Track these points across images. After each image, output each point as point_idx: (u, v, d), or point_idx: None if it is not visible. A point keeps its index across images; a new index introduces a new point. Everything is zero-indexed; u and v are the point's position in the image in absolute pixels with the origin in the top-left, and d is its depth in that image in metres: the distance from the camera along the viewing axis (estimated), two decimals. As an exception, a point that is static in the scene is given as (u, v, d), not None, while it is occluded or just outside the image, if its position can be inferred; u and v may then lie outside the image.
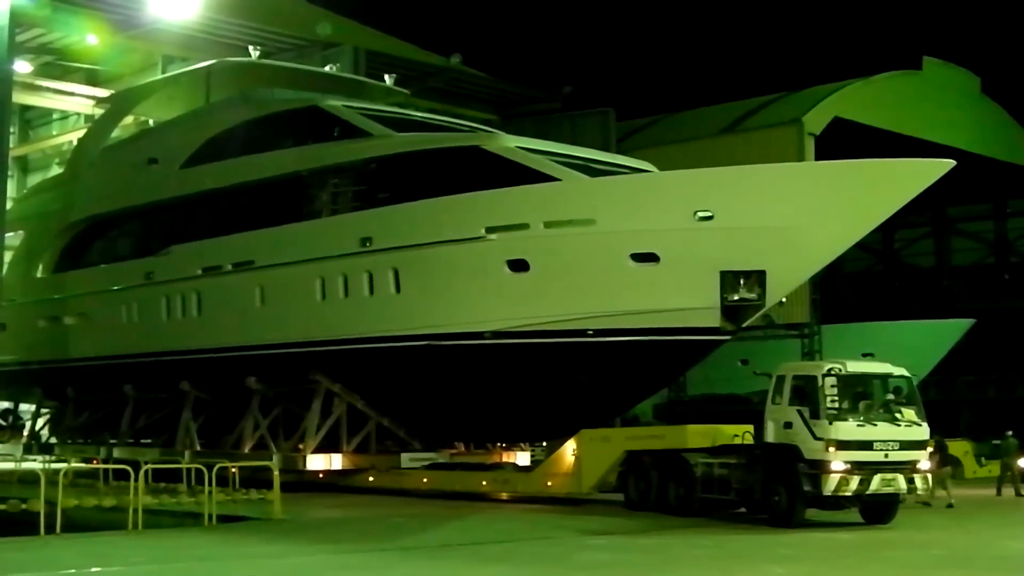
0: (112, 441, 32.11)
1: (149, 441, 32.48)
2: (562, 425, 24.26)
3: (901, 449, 19.33)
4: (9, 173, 33.39)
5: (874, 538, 18.38)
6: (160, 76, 39.31)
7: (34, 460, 31.69)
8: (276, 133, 28.60)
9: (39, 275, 35.46)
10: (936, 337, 43.32)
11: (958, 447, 34.27)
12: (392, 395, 26.49)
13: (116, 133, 36.71)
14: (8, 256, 36.86)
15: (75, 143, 40.50)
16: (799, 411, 19.43)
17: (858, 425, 19.08)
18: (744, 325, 23.50)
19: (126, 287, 31.29)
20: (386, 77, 34.32)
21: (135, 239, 32.30)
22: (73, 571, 14.67)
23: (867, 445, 19.05)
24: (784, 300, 26.03)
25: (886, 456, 19.15)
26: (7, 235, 29.86)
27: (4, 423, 39.79)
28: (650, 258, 22.38)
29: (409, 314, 24.68)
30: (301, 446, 26.63)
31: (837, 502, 19.31)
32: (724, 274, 22.18)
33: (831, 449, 18.86)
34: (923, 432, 19.75)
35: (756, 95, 43.89)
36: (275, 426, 27.86)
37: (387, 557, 15.96)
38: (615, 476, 22.67)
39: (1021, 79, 51.13)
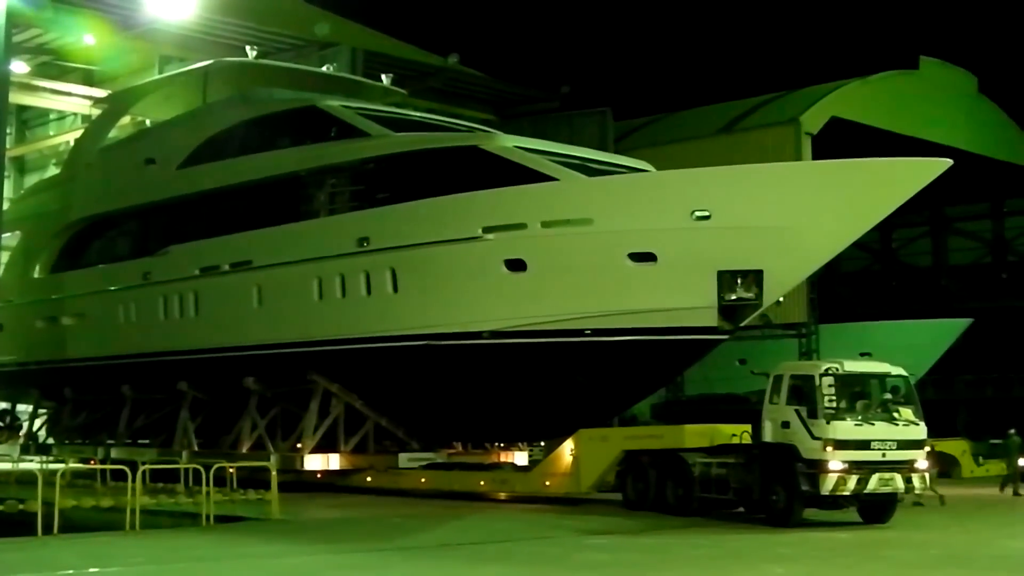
0: (110, 441, 32.08)
1: (147, 441, 32.44)
2: (560, 425, 24.26)
3: (899, 448, 19.34)
4: (6, 173, 33.27)
5: (872, 537, 18.39)
6: (157, 76, 39.21)
7: (32, 460, 31.66)
8: (274, 133, 28.58)
9: (36, 275, 35.41)
10: (934, 336, 43.37)
11: (956, 446, 34.33)
12: (390, 395, 26.48)
13: (113, 133, 36.66)
14: (5, 257, 36.95)
15: (72, 143, 40.46)
16: (797, 411, 19.43)
17: (856, 424, 19.10)
18: (742, 325, 23.51)
19: (124, 287, 31.27)
20: (384, 77, 34.30)
21: (133, 239, 32.28)
22: (71, 572, 14.65)
23: (865, 444, 19.07)
24: (782, 300, 26.00)
25: (884, 455, 19.17)
26: (4, 236, 29.88)
27: (2, 424, 39.75)
28: (648, 258, 22.38)
29: (407, 314, 24.67)
30: (299, 446, 26.61)
31: (835, 501, 19.32)
32: (722, 274, 22.19)
33: (829, 448, 18.87)
34: (921, 431, 19.76)
35: (753, 95, 43.93)
36: (273, 426, 27.84)
37: (385, 557, 15.96)
38: (613, 476, 22.68)
39: (1018, 78, 51.20)
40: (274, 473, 21.59)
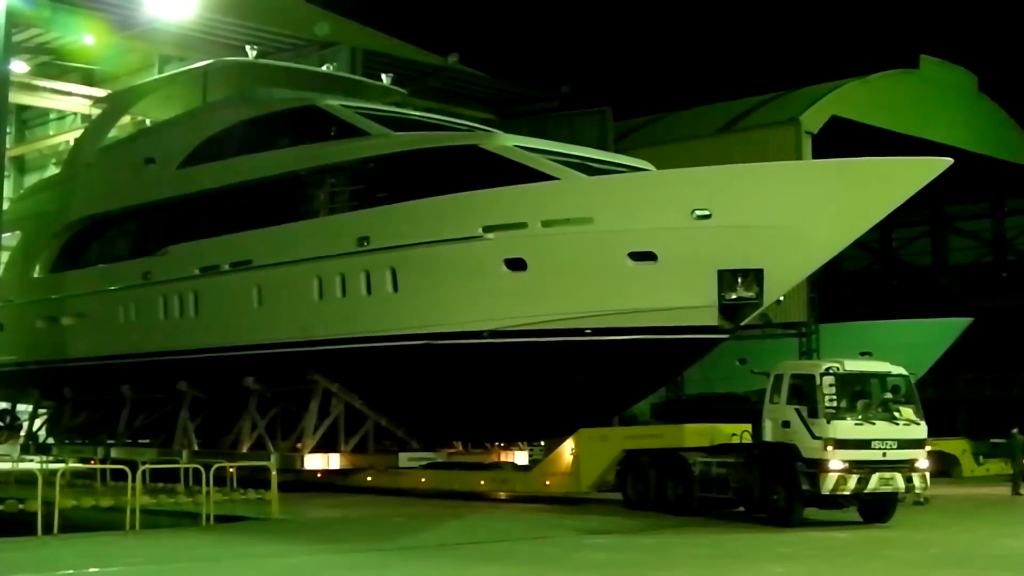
0: (110, 441, 32.07)
1: (147, 441, 32.43)
2: (560, 424, 24.25)
3: (899, 448, 19.34)
4: (6, 173, 33.28)
5: (872, 537, 18.38)
6: (157, 76, 39.27)
7: (32, 460, 31.68)
8: (274, 133, 28.56)
9: (36, 275, 35.40)
10: (934, 336, 43.38)
11: (956, 446, 34.33)
12: (390, 394, 26.48)
13: (113, 133, 36.65)
14: (5, 256, 36.94)
15: (72, 143, 40.44)
16: (797, 410, 19.43)
17: (856, 424, 19.09)
18: (742, 324, 23.50)
19: (123, 287, 31.26)
20: (383, 77, 34.29)
21: (132, 239, 32.27)
22: (71, 571, 14.65)
23: (865, 444, 19.06)
24: (782, 299, 26.02)
25: (884, 455, 19.16)
26: (4, 235, 29.87)
27: (2, 423, 39.75)
28: (648, 257, 22.37)
29: (407, 313, 24.66)
30: (299, 446, 26.60)
31: (835, 501, 19.31)
32: (722, 273, 22.18)
33: (829, 448, 18.87)
34: (921, 431, 19.75)
35: (753, 94, 43.93)
36: (273, 426, 27.82)
37: (385, 557, 15.95)
38: (613, 475, 22.67)
39: (1018, 78, 51.20)
40: (274, 473, 21.58)
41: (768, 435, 19.99)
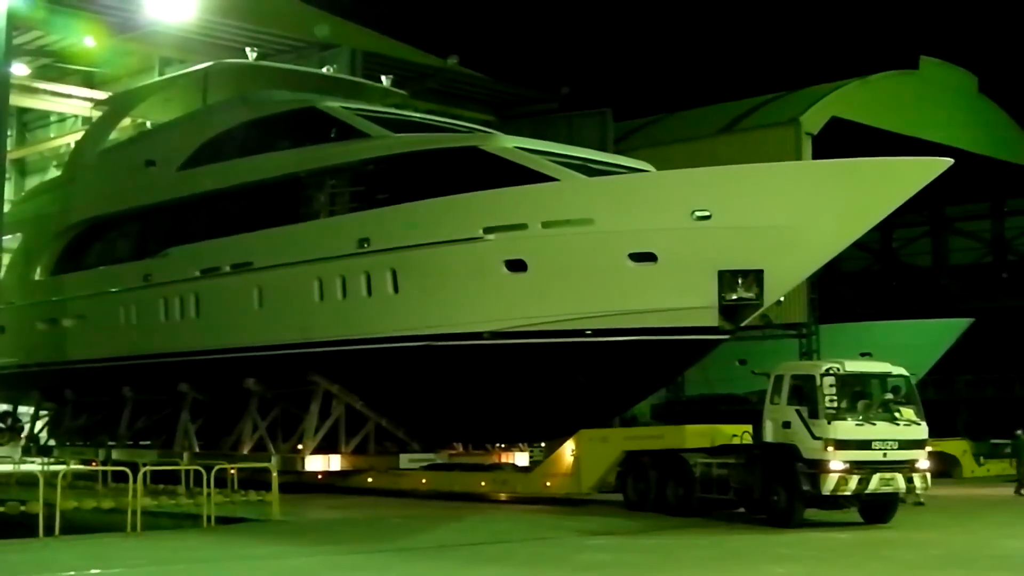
0: (111, 443, 32.08)
1: (148, 443, 32.46)
2: (561, 425, 24.25)
3: (900, 448, 19.33)
4: (7, 176, 33.27)
5: (873, 537, 18.39)
6: (158, 78, 39.31)
7: (33, 462, 31.70)
8: (274, 134, 28.59)
9: (37, 277, 35.43)
10: (934, 336, 43.35)
11: (956, 446, 34.32)
12: (391, 396, 26.48)
13: (114, 135, 36.70)
14: (6, 259, 36.95)
15: (73, 145, 40.51)
16: (798, 411, 19.43)
17: (857, 424, 19.09)
18: (742, 325, 23.50)
19: (124, 289, 31.27)
20: (383, 78, 34.30)
21: (133, 241, 32.29)
22: (72, 573, 14.65)
23: (866, 444, 19.06)
24: (782, 300, 26.00)
25: (885, 455, 19.16)
26: (5, 238, 29.90)
27: (3, 425, 39.78)
28: (648, 258, 22.37)
29: (407, 315, 24.67)
30: (300, 447, 26.62)
31: (836, 501, 19.31)
32: (722, 273, 22.17)
33: (830, 448, 18.87)
34: (922, 431, 19.75)
35: (753, 95, 43.93)
36: (274, 427, 27.84)
37: (386, 558, 15.96)
38: (614, 476, 22.68)
39: (1019, 78, 51.17)
40: (275, 474, 21.57)
41: (769, 436, 20.00)
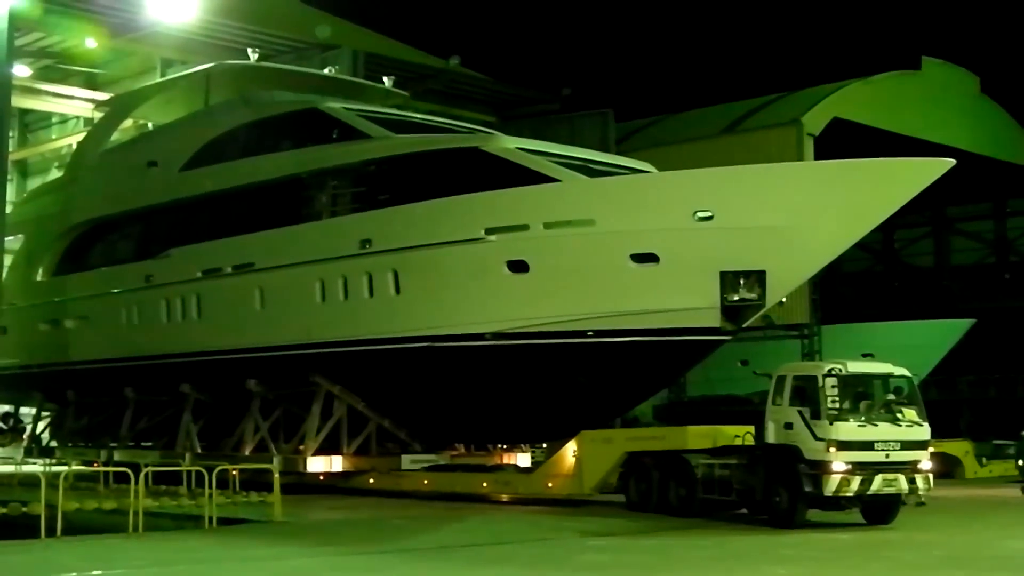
0: (112, 444, 32.06)
1: (149, 444, 32.46)
2: (562, 426, 24.24)
3: (902, 449, 19.30)
4: (8, 177, 33.36)
5: (875, 539, 18.37)
6: (159, 79, 39.35)
7: (35, 463, 31.71)
8: (275, 135, 28.60)
9: (39, 278, 35.44)
10: (936, 337, 43.32)
11: (958, 447, 34.28)
12: (392, 397, 26.48)
13: (115, 136, 36.69)
14: (8, 260, 36.94)
15: (74, 146, 40.54)
16: (800, 412, 19.41)
17: (859, 425, 19.06)
18: (744, 325, 23.48)
19: (126, 290, 31.28)
20: (385, 79, 34.31)
21: (135, 242, 32.28)
22: (74, 574, 14.66)
23: (868, 445, 19.03)
24: (784, 300, 26.00)
25: (887, 456, 19.12)
26: (7, 239, 29.89)
27: (5, 426, 39.78)
28: (650, 258, 22.36)
29: (409, 315, 24.67)
30: (301, 448, 26.61)
31: (838, 503, 19.28)
32: (724, 274, 22.16)
33: (832, 450, 18.85)
34: (924, 432, 19.71)
35: (755, 95, 43.93)
36: (275, 428, 27.85)
37: (387, 559, 15.95)
38: (616, 477, 22.66)
39: (1020, 79, 51.17)
40: (276, 475, 21.58)
41: (771, 437, 19.98)
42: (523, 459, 29.10)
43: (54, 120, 47.81)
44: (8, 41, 24.48)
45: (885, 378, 20.11)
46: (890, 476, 19.09)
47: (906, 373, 20.30)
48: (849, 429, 18.95)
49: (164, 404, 30.91)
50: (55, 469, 26.44)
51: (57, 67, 42.45)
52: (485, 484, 25.43)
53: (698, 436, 21.82)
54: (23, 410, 39.13)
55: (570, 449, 23.46)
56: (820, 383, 19.13)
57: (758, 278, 22.23)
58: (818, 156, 36.32)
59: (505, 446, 29.39)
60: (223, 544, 17.67)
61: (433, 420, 26.81)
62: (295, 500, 22.99)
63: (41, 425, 36.89)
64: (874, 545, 17.59)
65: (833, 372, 19.22)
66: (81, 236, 34.16)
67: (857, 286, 53.88)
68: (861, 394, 19.65)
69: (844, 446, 18.87)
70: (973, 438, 36.46)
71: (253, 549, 17.15)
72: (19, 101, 40.26)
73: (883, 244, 56.00)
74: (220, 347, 28.37)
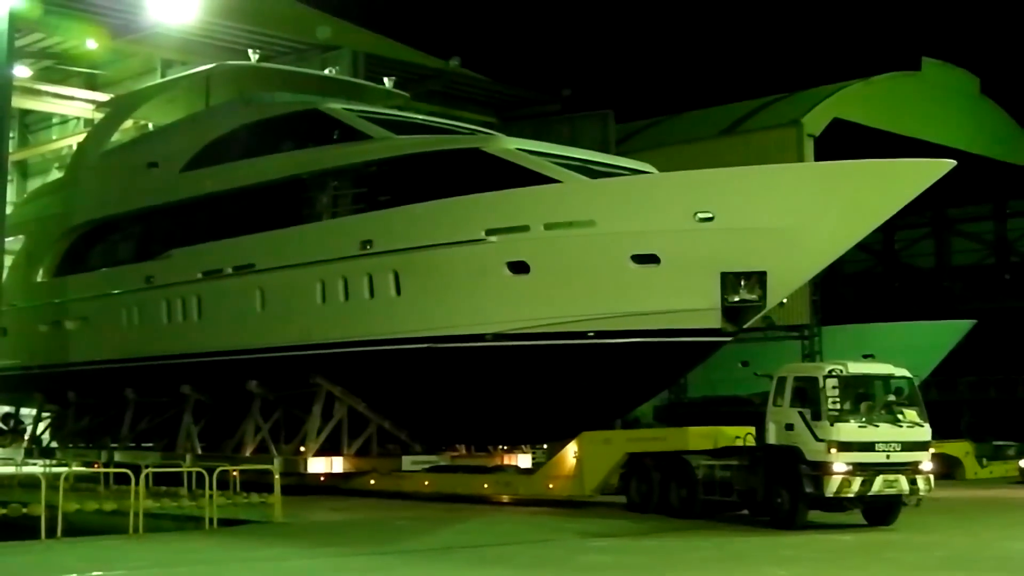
0: (113, 445, 32.08)
1: (150, 445, 32.44)
2: (563, 427, 24.24)
3: (903, 450, 19.31)
4: (9, 177, 33.34)
5: (876, 539, 18.37)
6: (160, 80, 39.34)
7: (35, 464, 31.69)
8: (276, 136, 28.60)
9: (39, 279, 35.46)
10: (937, 338, 43.31)
11: (959, 448, 34.26)
12: (393, 398, 26.47)
13: (116, 137, 36.70)
14: (8, 261, 36.95)
15: (75, 147, 40.53)
16: (800, 413, 19.41)
17: (860, 426, 19.06)
18: (745, 326, 23.48)
19: (127, 291, 31.30)
20: (385, 80, 34.33)
21: (135, 243, 32.30)
22: (75, 575, 14.65)
23: (869, 446, 19.03)
24: (784, 301, 25.99)
25: (888, 457, 19.13)
26: (7, 240, 29.90)
27: (5, 427, 39.78)
28: (651, 259, 22.36)
29: (410, 316, 24.67)
30: (302, 449, 26.61)
31: (839, 503, 19.28)
32: (725, 275, 22.16)
33: (833, 450, 18.85)
34: (925, 433, 19.71)
35: (755, 96, 43.94)
36: (276, 429, 27.85)
37: (388, 560, 15.96)
38: (617, 478, 22.66)
39: (1021, 79, 51.16)
40: (277, 476, 21.57)
41: (772, 438, 19.98)
42: (524, 460, 29.09)
43: (54, 121, 47.81)
44: (8, 42, 24.46)
45: (886, 379, 20.10)
46: (891, 477, 19.10)
47: (907, 374, 20.30)
48: (850, 430, 18.95)
49: (165, 405, 30.90)
50: (55, 470, 26.43)
51: (57, 68, 42.45)
52: (486, 485, 25.42)
53: (699, 437, 21.81)
54: (24, 411, 39.13)
55: (571, 450, 23.46)
56: (821, 384, 19.13)
57: (759, 279, 22.23)
58: (818, 157, 36.30)
59: (506, 447, 29.40)
60: (224, 545, 17.67)
61: (434, 421, 26.80)
62: (296, 501, 22.99)
63: (41, 426, 36.88)
64: (875, 546, 17.59)
65: (834, 373, 19.22)
66: (81, 237, 34.18)
67: (858, 287, 53.86)
68: (862, 395, 19.65)
69: (845, 447, 18.87)
70: (973, 439, 36.44)
71: (254, 550, 17.15)
72: (19, 102, 40.26)
73: (884, 245, 55.99)
74: (221, 348, 28.37)
